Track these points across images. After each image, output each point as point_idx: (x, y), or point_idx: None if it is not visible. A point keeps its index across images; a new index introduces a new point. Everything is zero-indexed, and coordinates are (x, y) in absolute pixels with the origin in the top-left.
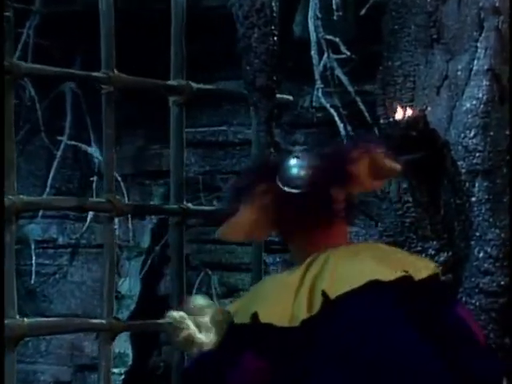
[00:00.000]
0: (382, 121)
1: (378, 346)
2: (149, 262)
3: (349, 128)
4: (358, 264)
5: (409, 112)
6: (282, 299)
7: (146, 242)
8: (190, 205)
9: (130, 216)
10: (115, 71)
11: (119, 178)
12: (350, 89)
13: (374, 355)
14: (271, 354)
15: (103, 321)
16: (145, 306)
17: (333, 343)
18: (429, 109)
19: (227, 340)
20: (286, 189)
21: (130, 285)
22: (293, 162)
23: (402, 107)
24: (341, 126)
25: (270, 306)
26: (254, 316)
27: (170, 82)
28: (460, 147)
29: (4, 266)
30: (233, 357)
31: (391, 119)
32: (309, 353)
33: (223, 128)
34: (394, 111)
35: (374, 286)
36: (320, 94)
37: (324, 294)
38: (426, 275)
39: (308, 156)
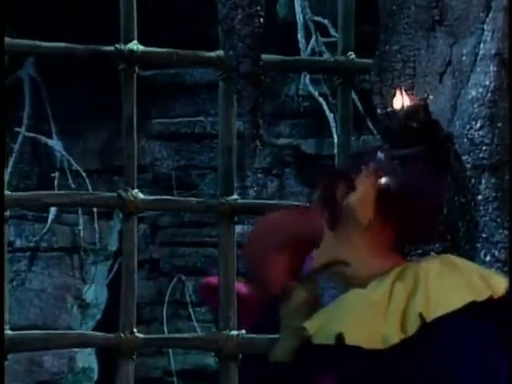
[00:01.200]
0: (378, 111)
1: (476, 375)
2: (116, 266)
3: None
4: (451, 282)
5: (408, 101)
6: (369, 319)
7: (113, 244)
8: (238, 197)
9: (95, 215)
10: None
11: (83, 174)
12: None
13: None
14: (356, 378)
15: (121, 335)
16: (112, 316)
17: (427, 369)
18: (430, 97)
19: (305, 360)
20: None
21: (95, 292)
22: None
23: (401, 96)
24: (330, 116)
25: (358, 327)
26: (339, 337)
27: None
28: (465, 140)
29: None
30: (311, 380)
31: (389, 109)
32: (398, 378)
33: (200, 118)
34: (392, 100)
35: (470, 307)
36: (307, 81)
37: (421, 316)
38: (504, 290)
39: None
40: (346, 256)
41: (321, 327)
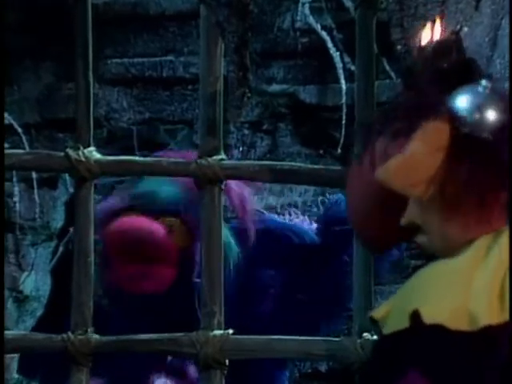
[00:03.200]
0: (398, 48)
1: None
2: (61, 248)
3: (346, 59)
4: None
5: (437, 35)
6: (452, 291)
7: (58, 220)
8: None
9: (35, 182)
10: None
11: (19, 129)
12: (349, 3)
13: None
14: (443, 367)
15: (71, 336)
16: (58, 312)
17: None
18: (465, 30)
19: (376, 360)
20: (470, 132)
21: (35, 281)
22: (476, 98)
23: (428, 28)
24: (335, 55)
25: (437, 301)
26: (415, 315)
27: None
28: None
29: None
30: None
31: (411, 46)
32: (491, 367)
33: (169, 58)
34: (416, 35)
35: None
36: (306, 11)
37: None
38: None
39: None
40: (420, 219)
41: (390, 310)
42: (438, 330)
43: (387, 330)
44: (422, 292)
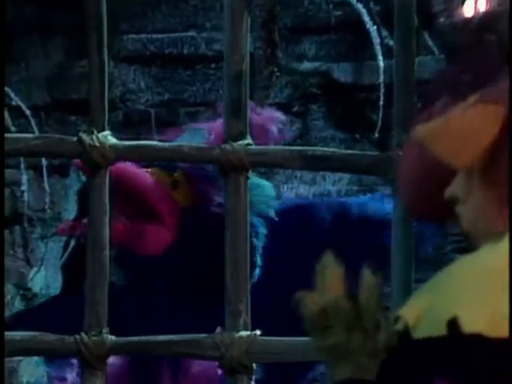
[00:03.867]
0: (440, 20)
1: None
2: (73, 242)
3: (384, 33)
4: None
5: (482, 5)
6: (490, 295)
7: (70, 211)
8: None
9: (44, 170)
10: None
11: (27, 112)
12: None
13: None
14: (477, 380)
15: (84, 337)
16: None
17: None
18: None
19: (400, 363)
20: None
21: (45, 278)
22: None
23: None
24: (372, 29)
25: (476, 307)
26: (453, 322)
27: None
28: None
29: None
30: None
31: (455, 18)
32: None
33: (190, 34)
34: (460, 5)
35: None
36: None
37: None
38: None
39: None
40: (462, 193)
41: (423, 311)
42: (477, 339)
43: (419, 334)
44: (459, 296)
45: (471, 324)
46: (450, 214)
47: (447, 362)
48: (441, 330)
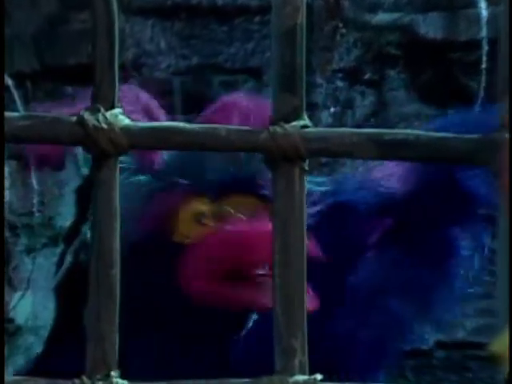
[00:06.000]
0: None
1: None
2: (70, 257)
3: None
4: None
5: None
6: None
7: (65, 216)
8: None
9: (32, 161)
10: None
11: (9, 81)
12: None
13: None
14: None
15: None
16: (66, 348)
17: None
18: None
19: None
20: None
21: (32, 305)
22: None
23: None
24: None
25: None
26: None
27: None
28: None
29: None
30: None
31: None
32: None
33: None
34: None
35: None
36: None
37: None
38: None
39: None
40: None
41: None
42: None
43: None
44: None
45: None
46: None
47: None
48: None
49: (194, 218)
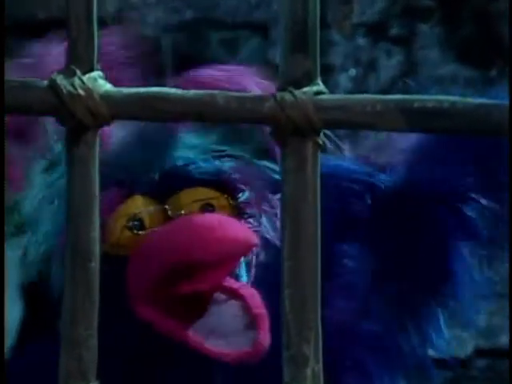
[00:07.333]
0: None
1: None
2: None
3: None
4: None
5: None
6: None
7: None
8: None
9: None
10: None
11: None
12: None
13: None
14: None
15: None
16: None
17: None
18: None
19: None
20: None
21: None
22: None
23: None
24: None
25: None
26: None
27: None
28: None
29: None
30: None
31: None
32: None
33: None
34: None
35: None
36: None
37: None
38: None
39: None
40: None
41: None
42: None
43: None
44: None
45: None
46: None
47: None
48: None
49: (127, 224)
